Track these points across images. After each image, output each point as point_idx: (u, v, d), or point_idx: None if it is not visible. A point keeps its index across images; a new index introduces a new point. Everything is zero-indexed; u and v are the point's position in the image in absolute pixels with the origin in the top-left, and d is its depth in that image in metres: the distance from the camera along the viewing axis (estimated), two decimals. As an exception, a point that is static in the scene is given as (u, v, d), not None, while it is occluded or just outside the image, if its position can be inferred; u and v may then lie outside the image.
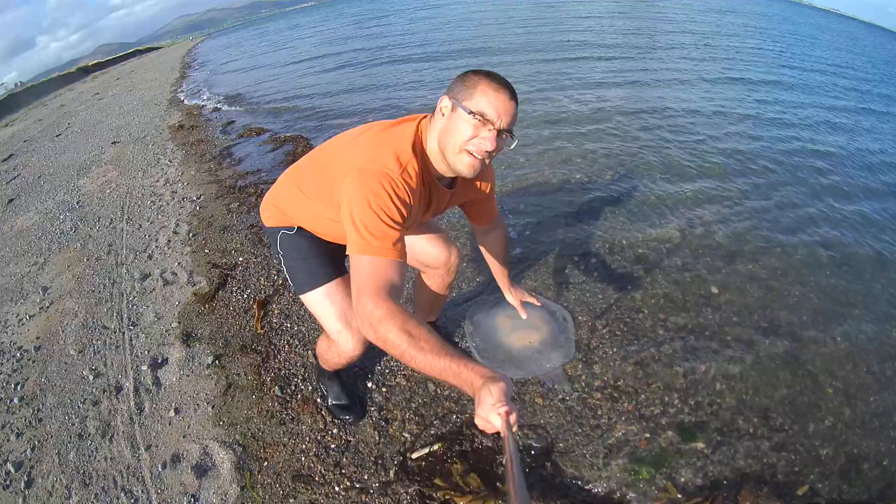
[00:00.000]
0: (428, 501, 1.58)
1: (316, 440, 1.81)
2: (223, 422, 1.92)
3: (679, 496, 1.61)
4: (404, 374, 2.06)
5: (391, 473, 1.68)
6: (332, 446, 1.79)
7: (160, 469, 1.76)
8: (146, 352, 2.34)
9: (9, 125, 10.77)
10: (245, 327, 2.43)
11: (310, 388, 2.04)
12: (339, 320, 1.50)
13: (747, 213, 3.36)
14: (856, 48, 17.05)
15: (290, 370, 2.14)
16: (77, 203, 4.43)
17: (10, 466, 1.83)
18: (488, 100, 1.18)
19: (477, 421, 0.91)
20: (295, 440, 1.82)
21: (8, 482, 1.77)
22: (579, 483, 1.66)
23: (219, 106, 7.90)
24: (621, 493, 1.63)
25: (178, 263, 3.08)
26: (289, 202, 1.52)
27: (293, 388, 2.05)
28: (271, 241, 1.63)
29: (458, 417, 1.87)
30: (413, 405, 1.94)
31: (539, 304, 2.03)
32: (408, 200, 1.17)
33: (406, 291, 2.22)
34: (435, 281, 1.89)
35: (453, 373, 0.96)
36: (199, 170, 4.81)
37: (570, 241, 2.98)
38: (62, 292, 2.94)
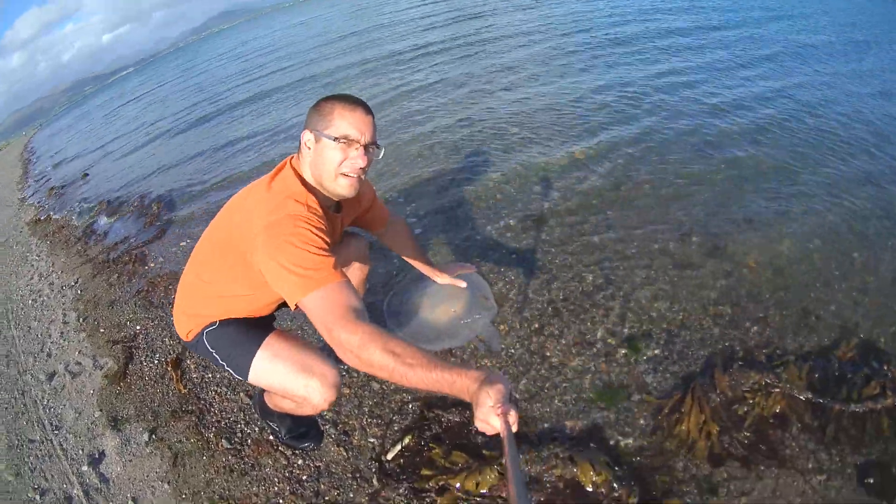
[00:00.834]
0: (423, 494, 1.53)
1: (286, 478, 1.70)
2: (185, 494, 1.76)
3: (659, 400, 1.68)
4: (344, 383, 1.97)
5: (374, 482, 1.61)
6: (304, 478, 1.68)
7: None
8: (80, 451, 2.12)
9: None
10: (168, 392, 2.26)
11: (257, 429, 1.92)
12: (299, 375, 1.35)
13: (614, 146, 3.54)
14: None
15: (229, 419, 2.01)
16: (-41, 329, 3.95)
17: None
18: (347, 122, 1.24)
19: (477, 424, 0.90)
20: (265, 486, 1.69)
21: None
22: (557, 424, 1.68)
23: (67, 190, 7.49)
24: (602, 419, 1.66)
25: (79, 352, 2.84)
26: (197, 303, 1.46)
27: (240, 435, 1.92)
28: (199, 350, 1.48)
29: (413, 406, 1.84)
30: (366, 409, 1.87)
31: (472, 269, 2.04)
32: (324, 227, 1.20)
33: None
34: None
35: (447, 382, 0.95)
36: (68, 255, 4.56)
37: (461, 214, 3.05)
38: (-23, 422, 2.63)
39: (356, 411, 1.87)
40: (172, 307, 1.57)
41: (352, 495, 1.60)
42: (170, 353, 2.50)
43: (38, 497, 2.00)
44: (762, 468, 1.45)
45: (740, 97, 4.06)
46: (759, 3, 7.52)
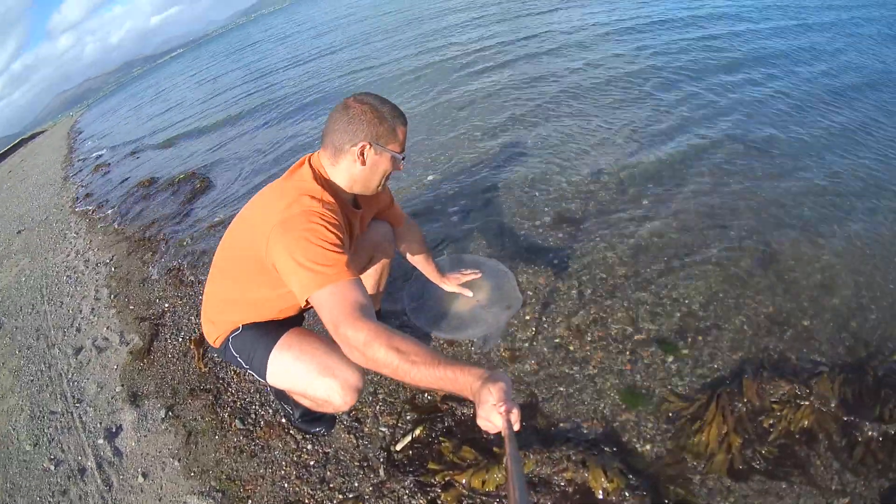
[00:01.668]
0: (428, 489, 1.48)
1: (293, 462, 1.68)
2: (194, 472, 1.78)
3: (684, 404, 1.58)
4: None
5: (381, 472, 1.57)
6: (312, 463, 1.66)
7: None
8: (98, 425, 2.18)
9: None
10: (188, 370, 2.29)
11: (270, 411, 1.91)
12: (320, 378, 1.32)
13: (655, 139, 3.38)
14: None
15: (245, 400, 2.01)
16: (-4, 301, 4.14)
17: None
18: (402, 138, 1.33)
19: (479, 422, 0.90)
20: (272, 469, 1.69)
21: None
22: (573, 423, 1.60)
23: (111, 169, 7.79)
24: (621, 421, 1.58)
25: (107, 328, 2.92)
26: (222, 309, 1.46)
27: (254, 416, 1.91)
28: (227, 356, 1.47)
29: (428, 396, 1.79)
30: (380, 396, 1.84)
31: (478, 274, 2.00)
32: (339, 224, 1.20)
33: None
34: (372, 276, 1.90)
35: (450, 380, 0.95)
36: (105, 233, 4.70)
37: (495, 205, 2.96)
38: (3, 391, 2.72)
39: (370, 398, 1.84)
40: (199, 315, 1.58)
41: (357, 484, 1.56)
42: (194, 332, 2.54)
43: (52, 467, 2.05)
44: (783, 485, 1.34)
45: (824, 102, 3.55)
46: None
